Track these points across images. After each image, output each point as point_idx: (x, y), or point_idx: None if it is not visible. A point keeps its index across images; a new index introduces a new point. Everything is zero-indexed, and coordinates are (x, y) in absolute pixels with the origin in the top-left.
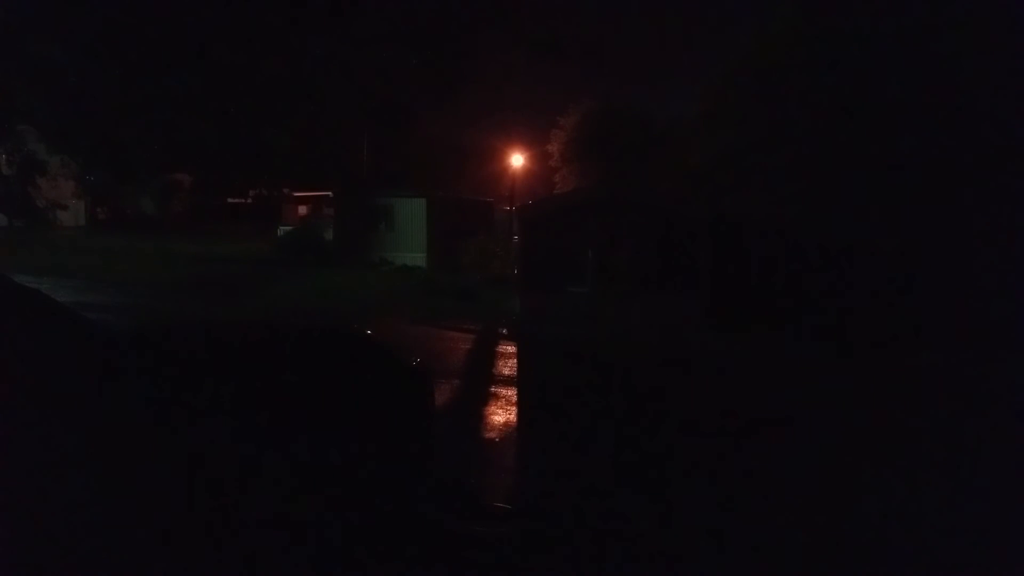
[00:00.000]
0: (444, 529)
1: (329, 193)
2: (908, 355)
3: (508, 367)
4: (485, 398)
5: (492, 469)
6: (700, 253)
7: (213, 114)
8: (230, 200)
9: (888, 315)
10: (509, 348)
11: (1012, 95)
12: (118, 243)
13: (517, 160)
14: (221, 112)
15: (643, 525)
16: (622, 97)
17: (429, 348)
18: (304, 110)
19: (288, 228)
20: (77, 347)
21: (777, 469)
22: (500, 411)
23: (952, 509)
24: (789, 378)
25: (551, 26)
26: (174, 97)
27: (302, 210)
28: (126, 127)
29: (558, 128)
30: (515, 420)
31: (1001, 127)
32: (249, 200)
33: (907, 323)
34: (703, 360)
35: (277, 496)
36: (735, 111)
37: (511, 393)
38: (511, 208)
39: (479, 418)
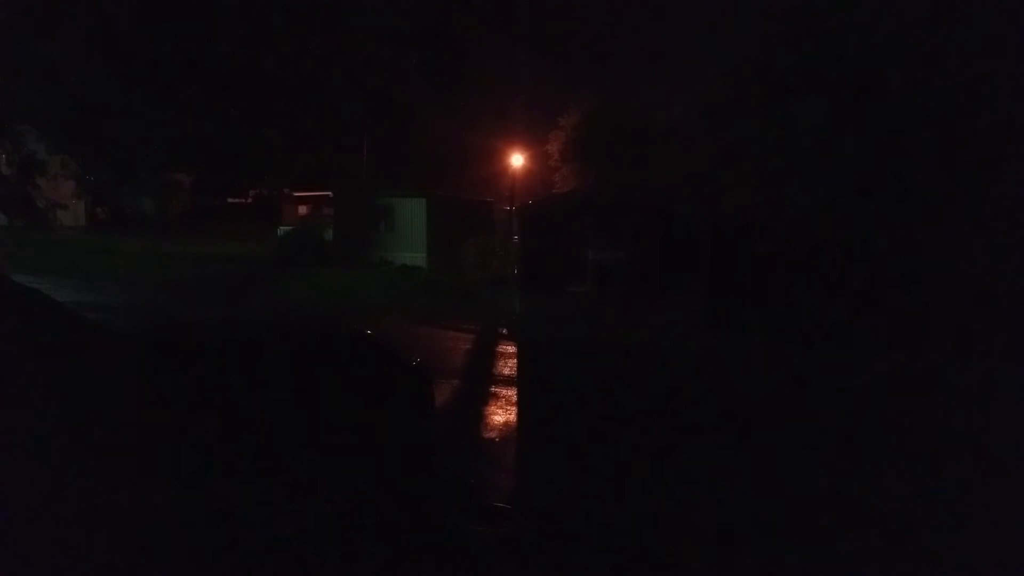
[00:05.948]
0: (444, 528)
1: (329, 193)
2: (908, 357)
3: (508, 367)
4: (485, 398)
5: (492, 469)
6: (699, 253)
7: (213, 114)
8: (230, 200)
9: (889, 317)
10: (509, 348)
11: (1014, 94)
12: (118, 243)
13: (517, 160)
14: (221, 112)
15: (643, 525)
16: (622, 97)
17: (429, 348)
18: (304, 110)
19: (288, 228)
20: (77, 347)
21: (776, 470)
22: (500, 411)
23: (951, 509)
24: (788, 379)
25: (552, 26)
26: (174, 97)
27: (302, 210)
28: (126, 127)
29: (558, 128)
30: (515, 420)
31: (1002, 127)
32: (249, 200)
33: (907, 325)
34: (702, 361)
35: (278, 494)
36: (735, 111)
37: (511, 393)
38: (511, 208)
39: (479, 418)
